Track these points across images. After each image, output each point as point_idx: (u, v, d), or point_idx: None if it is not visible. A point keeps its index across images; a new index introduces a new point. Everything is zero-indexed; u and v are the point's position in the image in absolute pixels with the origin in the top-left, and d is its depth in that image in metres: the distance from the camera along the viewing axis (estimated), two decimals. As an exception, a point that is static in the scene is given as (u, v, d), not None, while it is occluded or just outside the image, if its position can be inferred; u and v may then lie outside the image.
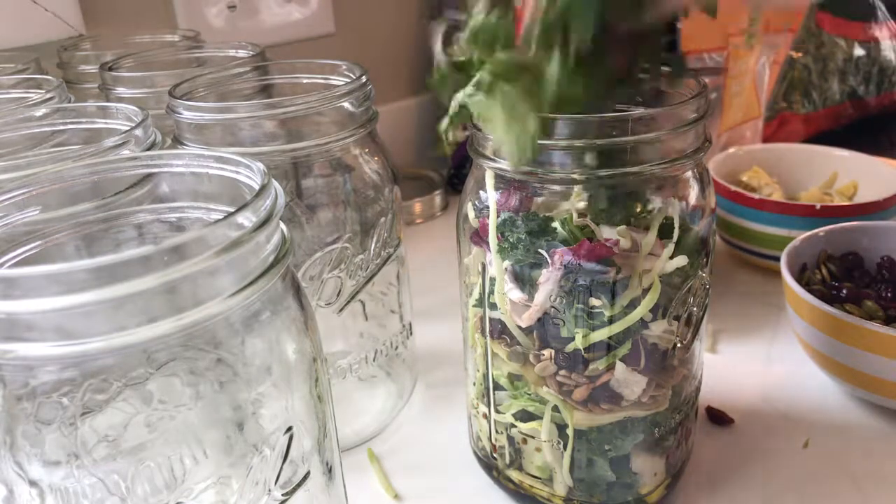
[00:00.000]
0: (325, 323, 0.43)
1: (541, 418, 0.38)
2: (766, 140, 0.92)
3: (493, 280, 0.37)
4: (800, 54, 0.96)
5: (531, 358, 0.37)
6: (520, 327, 0.37)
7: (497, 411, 0.41)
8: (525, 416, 0.39)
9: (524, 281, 0.36)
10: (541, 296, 0.35)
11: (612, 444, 0.38)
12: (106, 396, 0.23)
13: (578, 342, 0.36)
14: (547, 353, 0.37)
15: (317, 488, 0.29)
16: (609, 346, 0.36)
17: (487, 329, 0.39)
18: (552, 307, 0.36)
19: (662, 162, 0.34)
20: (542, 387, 0.38)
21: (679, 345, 0.37)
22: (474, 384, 0.42)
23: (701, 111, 0.35)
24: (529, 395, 0.38)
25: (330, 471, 0.30)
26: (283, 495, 0.27)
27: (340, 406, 0.37)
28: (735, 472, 0.45)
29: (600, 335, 0.35)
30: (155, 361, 0.23)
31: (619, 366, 0.36)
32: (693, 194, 0.36)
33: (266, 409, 0.26)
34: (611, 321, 0.35)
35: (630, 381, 0.36)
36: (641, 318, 0.35)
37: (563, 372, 0.37)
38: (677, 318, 0.37)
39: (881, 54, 1.03)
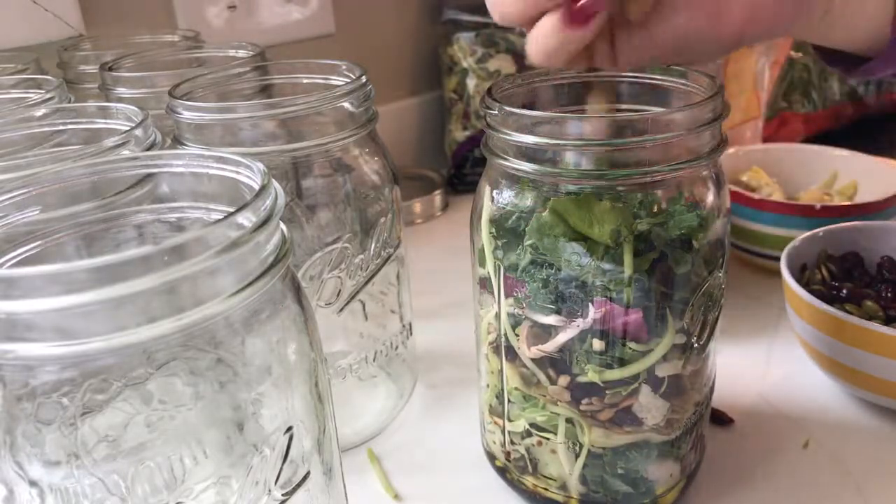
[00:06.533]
0: (325, 323, 0.43)
1: (554, 432, 0.39)
2: (766, 140, 0.92)
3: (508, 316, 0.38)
4: (800, 54, 0.96)
5: (544, 381, 0.38)
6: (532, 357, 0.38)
7: (510, 420, 0.41)
8: (539, 428, 0.39)
9: (541, 322, 0.36)
10: (562, 338, 0.36)
11: (625, 465, 0.38)
12: (106, 396, 0.23)
13: (592, 377, 0.36)
14: (562, 380, 0.37)
15: (317, 488, 0.29)
16: (624, 381, 0.36)
17: (503, 349, 0.39)
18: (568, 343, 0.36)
19: (680, 162, 0.34)
20: (556, 404, 0.38)
21: (695, 345, 0.37)
22: (487, 386, 0.42)
23: (717, 111, 0.35)
24: (542, 409, 0.38)
25: (330, 471, 0.30)
26: (283, 495, 0.27)
27: (340, 406, 0.37)
28: (735, 473, 0.45)
29: (614, 374, 0.36)
30: (155, 361, 0.23)
31: (645, 389, 0.36)
32: (709, 195, 0.36)
33: (266, 409, 0.26)
34: (621, 363, 0.36)
35: (652, 406, 0.37)
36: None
37: (585, 400, 0.37)
38: (693, 319, 0.37)
39: (881, 54, 1.03)
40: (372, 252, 0.45)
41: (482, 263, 0.38)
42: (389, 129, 0.70)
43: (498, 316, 0.38)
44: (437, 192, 0.84)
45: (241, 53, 0.56)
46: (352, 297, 0.45)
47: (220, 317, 0.23)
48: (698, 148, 0.34)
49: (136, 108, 0.38)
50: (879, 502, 0.42)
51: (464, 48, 0.87)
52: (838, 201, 0.67)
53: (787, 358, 0.55)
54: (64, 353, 0.21)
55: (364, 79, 0.43)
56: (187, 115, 0.39)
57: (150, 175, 0.29)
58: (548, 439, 0.39)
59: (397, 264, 0.48)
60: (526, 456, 0.41)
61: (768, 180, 0.70)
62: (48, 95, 0.43)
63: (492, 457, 0.44)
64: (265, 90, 0.48)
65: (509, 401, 0.40)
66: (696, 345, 0.37)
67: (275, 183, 0.26)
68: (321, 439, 0.29)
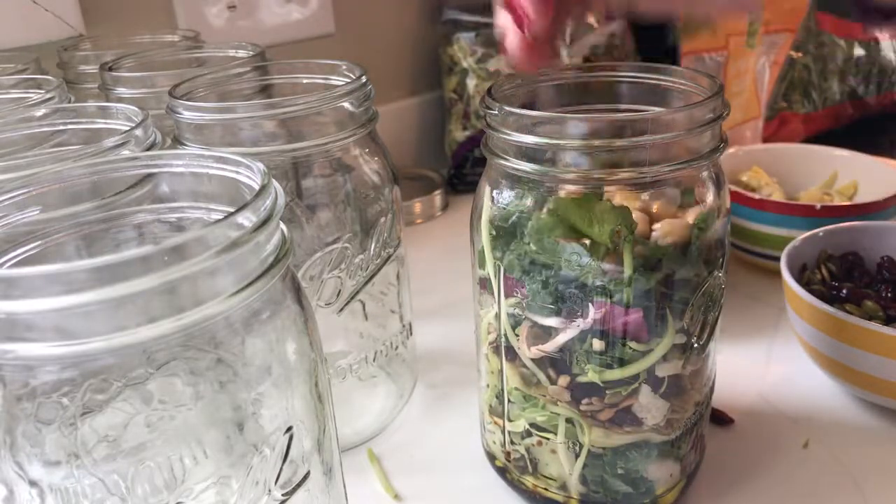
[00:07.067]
0: (325, 323, 0.43)
1: (554, 432, 0.39)
2: (766, 140, 0.92)
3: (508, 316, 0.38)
4: (800, 54, 0.96)
5: (544, 381, 0.38)
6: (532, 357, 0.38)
7: (510, 420, 0.41)
8: (539, 428, 0.39)
9: (542, 323, 0.36)
10: (562, 338, 0.36)
11: (625, 465, 0.38)
12: (106, 396, 0.23)
13: (592, 377, 0.36)
14: (562, 380, 0.37)
15: (317, 488, 0.29)
16: (624, 381, 0.36)
17: (503, 349, 0.39)
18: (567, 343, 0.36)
19: (680, 162, 0.34)
20: (556, 404, 0.38)
21: (695, 345, 0.37)
22: (487, 386, 0.42)
23: (717, 111, 0.35)
24: (542, 408, 0.38)
25: (330, 471, 0.30)
26: (283, 495, 0.27)
27: (340, 406, 0.37)
28: (735, 473, 0.45)
29: (614, 374, 0.36)
30: (155, 361, 0.23)
31: (645, 389, 0.36)
32: (709, 195, 0.36)
33: (266, 410, 0.26)
34: (621, 363, 0.36)
35: (652, 406, 0.37)
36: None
37: (585, 400, 0.37)
38: (693, 319, 0.37)
39: (881, 54, 1.03)
40: (372, 252, 0.45)
41: (482, 264, 0.38)
42: (389, 129, 0.70)
43: (498, 316, 0.38)
44: (437, 192, 0.84)
45: (241, 53, 0.56)
46: (352, 297, 0.45)
47: (220, 317, 0.23)
48: (698, 148, 0.34)
49: (136, 108, 0.38)
50: (879, 502, 0.42)
51: (464, 48, 0.87)
52: (838, 201, 0.67)
53: (787, 358, 0.55)
54: (64, 353, 0.21)
55: (364, 79, 0.43)
56: (187, 115, 0.39)
57: (150, 175, 0.29)
58: (548, 439, 0.39)
59: (397, 264, 0.48)
60: (526, 456, 0.41)
61: (768, 180, 0.70)
62: (48, 95, 0.43)
63: (492, 457, 0.44)
64: (265, 90, 0.48)
65: (509, 401, 0.40)
66: (696, 345, 0.37)
67: (275, 183, 0.26)
68: (321, 439, 0.29)
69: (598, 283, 0.34)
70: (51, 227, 0.28)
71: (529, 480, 0.41)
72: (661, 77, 0.39)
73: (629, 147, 0.33)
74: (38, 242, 0.27)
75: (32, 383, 0.22)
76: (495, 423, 0.42)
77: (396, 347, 0.49)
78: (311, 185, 0.43)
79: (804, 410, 0.50)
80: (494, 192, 0.37)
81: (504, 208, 0.36)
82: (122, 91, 0.51)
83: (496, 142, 0.36)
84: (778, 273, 0.52)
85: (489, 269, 0.38)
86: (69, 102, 0.43)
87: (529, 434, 0.40)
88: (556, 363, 0.37)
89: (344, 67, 0.45)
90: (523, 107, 0.38)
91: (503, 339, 0.39)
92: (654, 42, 0.84)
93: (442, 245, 0.74)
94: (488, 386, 0.42)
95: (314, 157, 0.42)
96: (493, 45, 0.87)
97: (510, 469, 0.42)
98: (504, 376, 0.39)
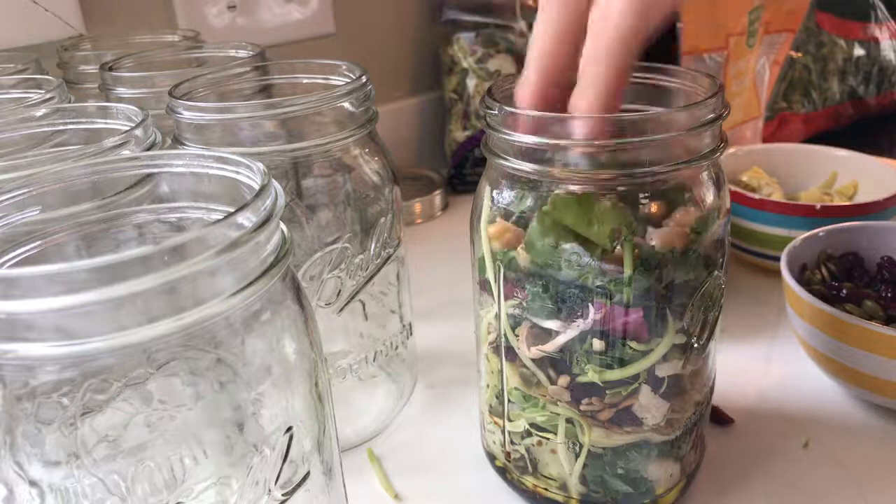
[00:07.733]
0: (325, 323, 0.43)
1: (554, 432, 0.39)
2: (766, 140, 0.92)
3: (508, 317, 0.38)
4: (800, 54, 0.96)
5: (544, 381, 0.38)
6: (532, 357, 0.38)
7: (510, 420, 0.41)
8: (539, 428, 0.39)
9: (542, 324, 0.36)
10: (562, 339, 0.36)
11: (625, 465, 0.38)
12: (106, 396, 0.23)
13: (592, 377, 0.36)
14: (562, 380, 0.37)
15: (317, 488, 0.29)
16: (624, 381, 0.36)
17: (503, 349, 0.39)
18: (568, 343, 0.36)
19: (680, 162, 0.33)
20: (556, 404, 0.38)
21: (695, 345, 0.37)
22: (487, 386, 0.42)
23: (717, 111, 0.35)
24: (542, 408, 0.38)
25: (330, 471, 0.30)
26: (283, 495, 0.27)
27: (340, 406, 0.37)
28: (735, 473, 0.45)
29: (614, 374, 0.36)
30: (155, 361, 0.23)
31: (645, 389, 0.36)
32: (709, 195, 0.36)
33: (266, 410, 0.26)
34: (621, 363, 0.36)
35: (652, 406, 0.37)
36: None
37: (585, 400, 0.37)
38: (693, 319, 0.36)
39: (881, 54, 1.03)
40: (372, 252, 0.45)
41: (482, 268, 0.38)
42: (389, 129, 0.70)
43: (498, 316, 0.38)
44: (437, 192, 0.84)
45: (241, 53, 0.56)
46: (352, 297, 0.45)
47: (220, 317, 0.23)
48: (698, 148, 0.34)
49: (136, 108, 0.38)
50: (879, 502, 0.42)
51: (464, 48, 0.87)
52: (838, 201, 0.67)
53: (787, 358, 0.55)
54: (64, 353, 0.21)
55: (364, 79, 0.43)
56: (187, 115, 0.39)
57: (150, 175, 0.29)
58: (548, 439, 0.39)
59: (397, 264, 0.48)
60: (526, 456, 0.41)
61: (768, 180, 0.70)
62: (48, 95, 0.43)
63: (492, 457, 0.44)
64: (265, 90, 0.48)
65: (509, 401, 0.40)
66: (696, 345, 0.37)
67: (275, 183, 0.26)
68: (321, 439, 0.29)
69: (598, 283, 0.34)
70: (51, 227, 0.28)
71: (529, 480, 0.41)
72: (661, 77, 0.39)
73: (629, 147, 0.33)
74: (38, 242, 0.27)
75: (32, 383, 0.22)
76: (495, 423, 0.42)
77: (396, 347, 0.49)
78: (311, 185, 0.43)
79: (804, 410, 0.50)
80: (494, 192, 0.37)
81: (504, 208, 0.36)
82: (122, 91, 0.50)
83: (496, 142, 0.36)
84: (778, 273, 0.52)
85: (489, 269, 0.38)
86: (69, 102, 0.43)
87: (529, 434, 0.40)
88: (556, 363, 0.37)
89: (344, 67, 0.45)
90: (523, 106, 0.38)
91: (503, 340, 0.39)
92: (655, 42, 0.83)
93: (442, 245, 0.74)
94: (488, 386, 0.42)
95: (314, 157, 0.42)
96: (492, 45, 0.87)
97: (510, 469, 0.42)
98: (504, 376, 0.39)
